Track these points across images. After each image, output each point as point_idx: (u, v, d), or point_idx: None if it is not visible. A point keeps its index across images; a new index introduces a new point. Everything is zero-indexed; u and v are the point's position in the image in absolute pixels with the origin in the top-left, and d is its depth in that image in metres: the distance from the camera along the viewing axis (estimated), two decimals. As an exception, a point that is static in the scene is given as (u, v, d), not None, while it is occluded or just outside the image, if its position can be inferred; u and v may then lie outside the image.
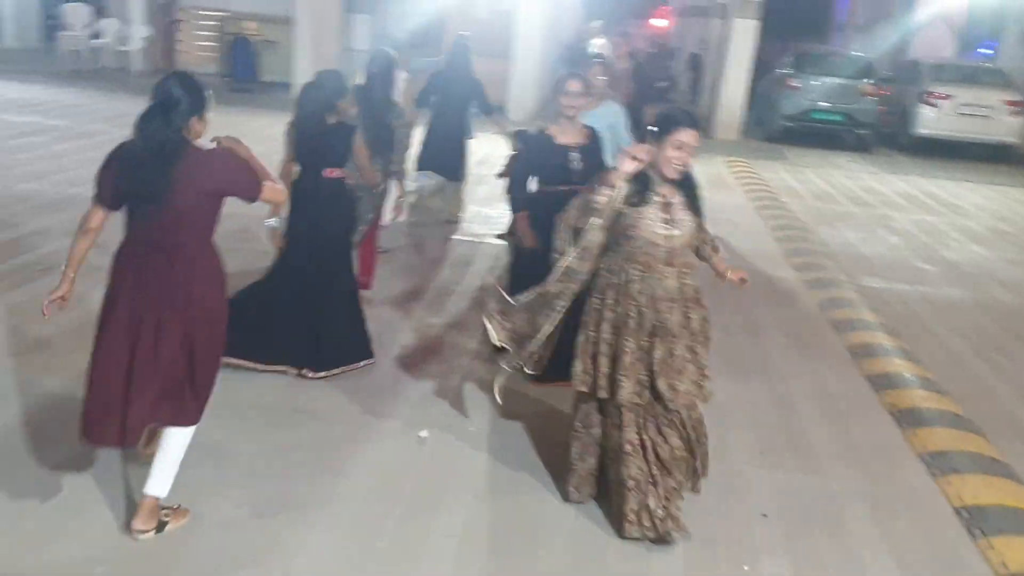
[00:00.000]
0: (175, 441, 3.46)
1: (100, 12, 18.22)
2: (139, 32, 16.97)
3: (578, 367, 3.74)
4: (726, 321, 6.55)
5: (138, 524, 3.42)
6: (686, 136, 3.56)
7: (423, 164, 8.37)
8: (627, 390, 3.62)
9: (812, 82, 15.90)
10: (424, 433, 4.44)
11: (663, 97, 21.97)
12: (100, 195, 3.37)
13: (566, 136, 5.00)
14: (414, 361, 5.36)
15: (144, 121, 3.26)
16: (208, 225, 3.42)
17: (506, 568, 3.51)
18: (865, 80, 15.87)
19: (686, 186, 3.74)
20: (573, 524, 3.83)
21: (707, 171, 12.98)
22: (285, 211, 4.91)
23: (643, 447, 3.67)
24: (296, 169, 4.96)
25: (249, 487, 3.84)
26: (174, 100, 3.28)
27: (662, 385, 3.62)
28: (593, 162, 4.96)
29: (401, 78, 7.52)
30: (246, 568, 3.34)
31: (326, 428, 4.42)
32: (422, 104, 8.21)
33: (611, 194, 3.59)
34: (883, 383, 5.64)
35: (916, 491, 4.43)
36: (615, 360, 3.66)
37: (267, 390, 4.77)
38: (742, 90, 15.93)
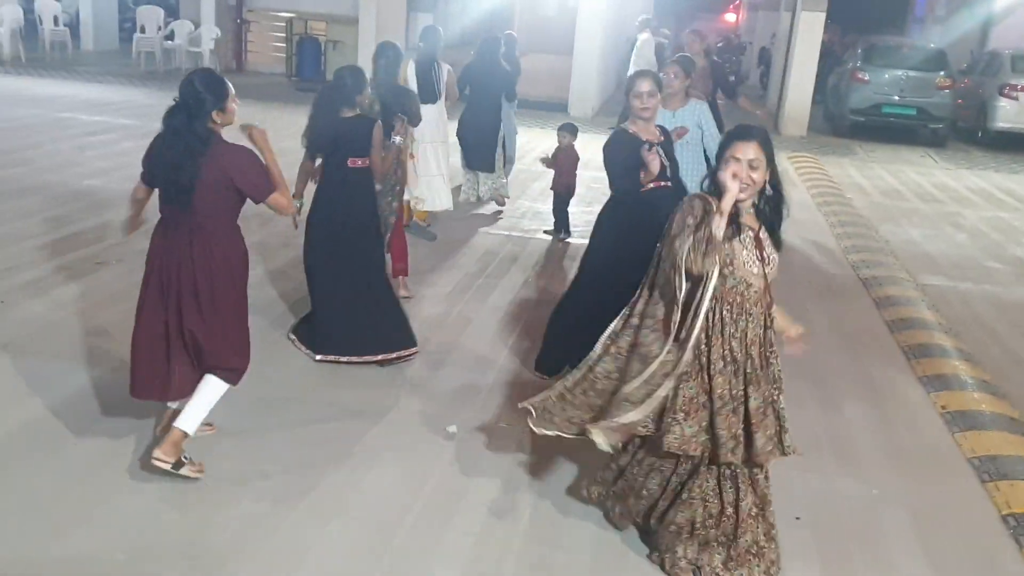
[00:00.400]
0: (211, 386, 3.77)
1: (173, 14, 18.71)
2: (209, 33, 17.34)
3: (687, 429, 3.25)
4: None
5: (159, 453, 3.67)
6: (744, 150, 3.18)
7: (470, 161, 8.56)
8: (727, 447, 3.23)
9: (882, 75, 15.44)
10: (452, 428, 4.43)
11: (732, 92, 21.74)
12: (143, 174, 3.82)
13: (646, 135, 4.78)
14: (449, 356, 5.35)
15: (169, 118, 3.57)
16: (229, 209, 3.70)
17: (522, 570, 3.47)
18: (940, 73, 15.35)
19: (774, 217, 3.33)
20: (596, 529, 3.75)
21: (771, 167, 12.76)
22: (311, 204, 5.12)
23: (720, 499, 3.37)
24: (318, 163, 5.10)
25: (272, 478, 3.88)
26: (196, 98, 3.53)
27: (760, 440, 3.25)
28: (671, 161, 4.81)
29: (445, 70, 7.63)
30: (261, 559, 3.36)
31: (355, 421, 4.44)
32: (461, 96, 8.43)
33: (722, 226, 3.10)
34: (936, 384, 5.44)
35: (962, 497, 4.26)
36: (713, 415, 3.25)
37: (301, 383, 4.81)
38: (809, 84, 15.56)
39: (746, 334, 3.24)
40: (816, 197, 10.75)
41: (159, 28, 17.68)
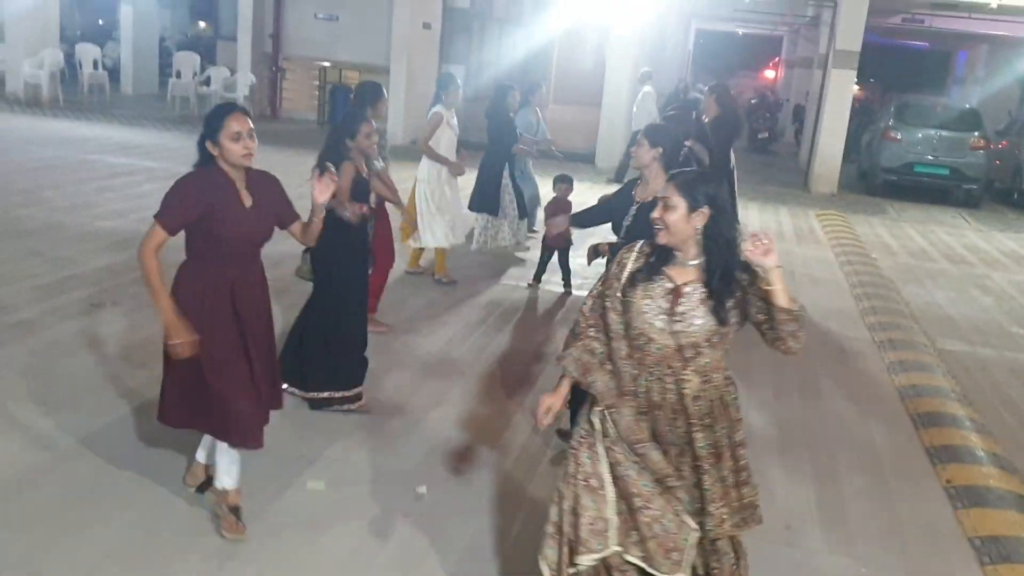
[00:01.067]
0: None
1: (212, 61, 19.07)
2: (245, 80, 17.61)
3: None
4: (781, 380, 6.21)
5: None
6: (665, 188, 2.83)
7: (471, 204, 8.51)
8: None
9: (915, 134, 15.21)
10: (422, 489, 4.25)
11: (765, 148, 21.64)
12: None
13: (642, 193, 4.54)
14: (430, 412, 5.20)
15: None
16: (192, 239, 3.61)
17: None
18: (974, 133, 15.08)
19: (722, 283, 2.77)
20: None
21: (797, 224, 12.58)
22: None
23: None
24: None
25: (224, 542, 3.73)
26: (203, 124, 3.58)
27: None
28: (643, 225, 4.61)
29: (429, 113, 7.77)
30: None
31: (323, 474, 4.29)
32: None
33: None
34: (944, 456, 5.17)
35: (958, 580, 3.99)
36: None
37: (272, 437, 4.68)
38: (839, 142, 15.36)
39: (649, 396, 2.84)
40: (839, 256, 10.51)
41: (195, 74, 18.01)
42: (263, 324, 3.75)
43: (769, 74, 40.02)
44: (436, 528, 3.94)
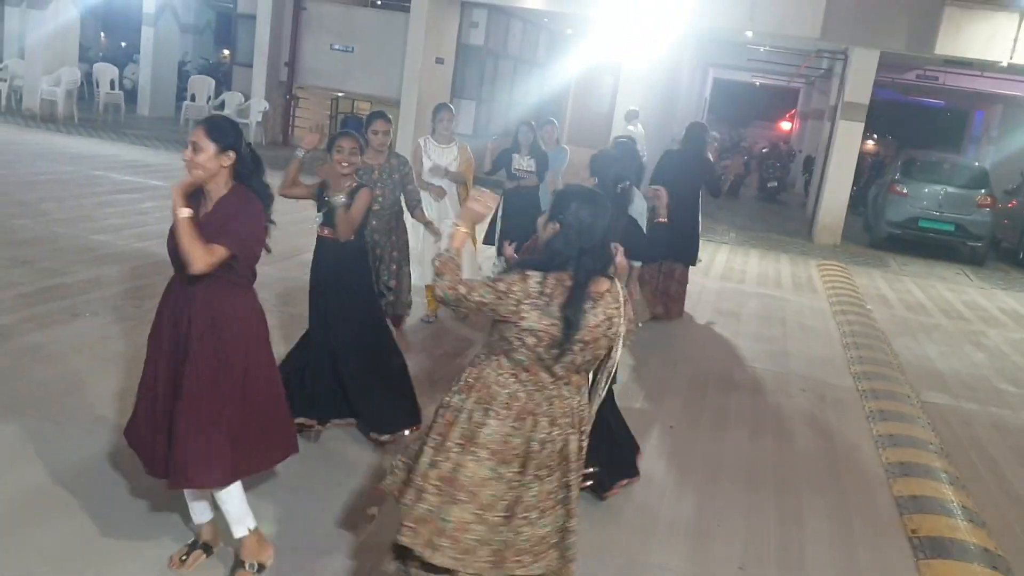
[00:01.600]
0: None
1: (227, 86, 19.33)
2: (258, 106, 17.82)
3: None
4: (757, 423, 6.16)
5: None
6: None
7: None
8: None
9: (921, 189, 15.19)
10: (373, 510, 4.22)
11: (774, 197, 21.68)
12: None
13: None
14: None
15: None
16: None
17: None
18: (980, 190, 15.06)
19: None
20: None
21: (796, 273, 12.55)
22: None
23: None
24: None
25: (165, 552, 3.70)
26: None
27: None
28: None
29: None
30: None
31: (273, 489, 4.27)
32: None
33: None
34: (912, 506, 5.09)
35: (910, 630, 3.92)
36: None
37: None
38: (844, 193, 15.37)
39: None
40: (834, 306, 10.46)
41: (209, 98, 18.23)
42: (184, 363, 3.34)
43: (785, 125, 40.22)
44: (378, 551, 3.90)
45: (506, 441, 2.91)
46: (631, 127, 14.36)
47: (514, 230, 8.10)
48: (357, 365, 4.78)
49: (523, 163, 7.97)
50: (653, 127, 18.01)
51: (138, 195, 11.27)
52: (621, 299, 2.98)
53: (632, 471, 4.75)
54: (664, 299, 8.64)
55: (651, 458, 5.31)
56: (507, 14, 18.75)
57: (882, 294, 11.83)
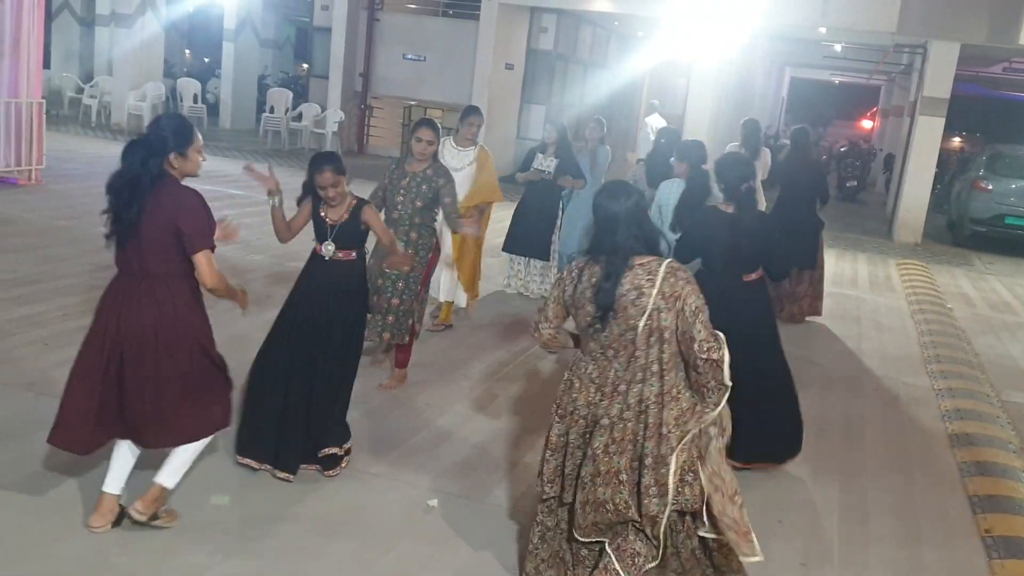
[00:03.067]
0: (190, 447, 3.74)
1: (304, 98, 19.77)
2: (334, 116, 18.17)
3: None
4: (825, 421, 6.04)
5: (138, 505, 3.66)
6: None
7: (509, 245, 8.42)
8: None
9: (1007, 184, 14.67)
10: (433, 502, 4.28)
11: (853, 196, 21.19)
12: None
13: None
14: (454, 430, 5.23)
15: (126, 153, 3.49)
16: (177, 255, 3.51)
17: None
18: (1072, 185, 14.47)
19: None
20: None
21: (874, 272, 12.26)
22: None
23: None
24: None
25: (230, 532, 3.81)
26: (159, 137, 3.49)
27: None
28: None
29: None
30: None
31: (329, 483, 4.36)
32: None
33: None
34: (987, 505, 4.94)
35: (978, 629, 3.80)
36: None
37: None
38: (925, 191, 14.94)
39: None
40: (912, 305, 10.18)
41: (287, 109, 18.67)
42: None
43: (866, 124, 39.30)
44: (439, 541, 3.96)
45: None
46: (648, 119, 14.30)
47: (530, 231, 8.10)
48: (319, 392, 4.33)
49: (544, 163, 7.91)
50: (724, 128, 17.84)
51: (217, 203, 11.45)
52: (660, 274, 3.17)
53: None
54: (796, 300, 8.58)
55: (713, 455, 5.26)
56: (576, 18, 18.76)
57: (964, 293, 11.46)
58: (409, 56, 18.38)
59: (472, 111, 7.15)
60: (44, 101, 11.43)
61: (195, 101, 19.20)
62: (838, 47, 20.53)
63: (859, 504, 4.85)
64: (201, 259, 3.51)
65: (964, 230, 15.29)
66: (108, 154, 15.05)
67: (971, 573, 4.27)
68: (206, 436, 3.75)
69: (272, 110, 18.54)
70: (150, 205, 3.44)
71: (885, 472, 5.35)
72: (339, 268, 4.44)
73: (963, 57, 14.62)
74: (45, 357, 5.57)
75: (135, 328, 3.49)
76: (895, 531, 4.59)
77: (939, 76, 14.46)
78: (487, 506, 4.35)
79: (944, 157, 19.84)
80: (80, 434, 3.59)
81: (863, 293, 10.74)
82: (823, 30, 15.79)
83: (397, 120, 18.80)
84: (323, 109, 18.57)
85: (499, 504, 4.38)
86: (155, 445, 3.70)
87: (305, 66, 30.86)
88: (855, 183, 21.21)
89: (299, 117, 18.66)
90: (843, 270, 12.20)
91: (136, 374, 3.52)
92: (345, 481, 4.40)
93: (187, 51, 29.33)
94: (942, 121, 14.61)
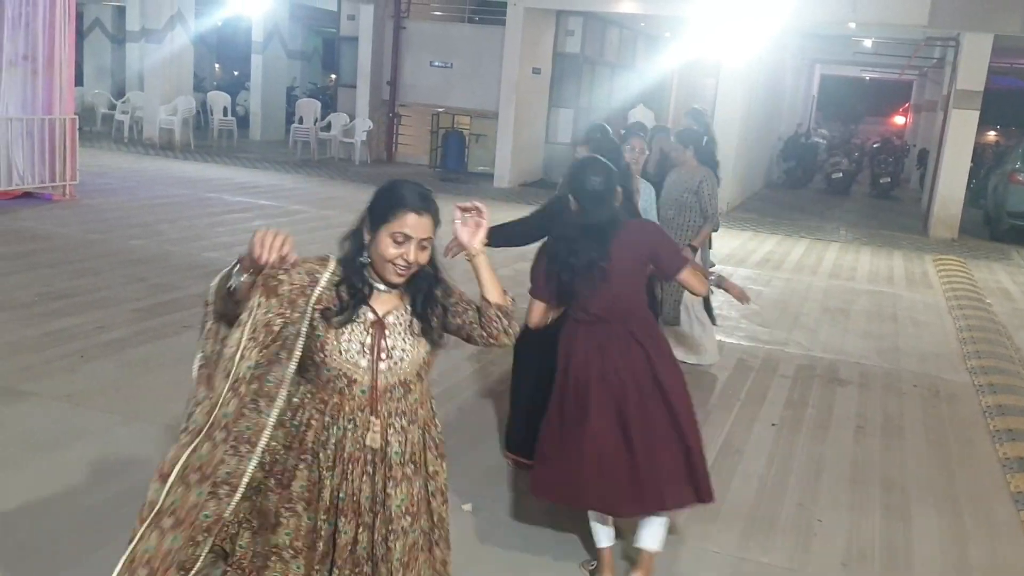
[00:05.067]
0: None
1: (332, 108, 19.89)
2: (363, 125, 18.26)
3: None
4: (864, 419, 5.95)
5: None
6: (412, 224, 2.32)
7: None
8: None
9: (1045, 177, 14.41)
10: (467, 506, 4.25)
11: (887, 192, 20.94)
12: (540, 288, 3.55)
13: None
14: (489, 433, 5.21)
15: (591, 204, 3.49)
16: (643, 290, 3.59)
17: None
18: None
19: (428, 304, 2.44)
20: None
21: (910, 268, 12.09)
22: None
23: None
24: None
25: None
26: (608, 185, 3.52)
27: None
28: None
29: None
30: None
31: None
32: None
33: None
34: (1032, 502, 4.83)
35: (1027, 628, 3.70)
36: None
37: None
38: (960, 185, 14.70)
39: (343, 447, 2.36)
40: (950, 300, 10.01)
41: (316, 120, 18.79)
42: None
43: (899, 120, 38.86)
44: (468, 547, 3.93)
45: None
46: (635, 110, 14.29)
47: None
48: None
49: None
50: (754, 127, 17.70)
51: (248, 214, 11.69)
52: None
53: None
54: None
55: (752, 456, 5.20)
56: (603, 21, 18.70)
57: (1004, 288, 11.26)
58: (436, 63, 18.42)
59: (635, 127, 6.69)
60: (77, 117, 11.58)
61: (225, 114, 19.38)
62: (868, 43, 20.28)
63: (900, 503, 4.75)
64: (687, 273, 3.57)
65: (1001, 224, 15.04)
66: (139, 167, 15.25)
67: (1018, 570, 4.17)
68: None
69: (301, 121, 18.66)
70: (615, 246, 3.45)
71: (926, 470, 5.25)
72: None
73: (997, 49, 14.37)
74: (81, 368, 5.62)
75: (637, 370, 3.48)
76: (939, 529, 4.50)
77: (972, 69, 14.23)
78: (523, 514, 4.31)
79: (979, 151, 19.56)
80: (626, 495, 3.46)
81: (899, 290, 10.59)
82: (853, 25, 15.61)
83: (426, 128, 18.85)
84: (351, 118, 18.67)
85: (536, 512, 4.34)
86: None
87: (334, 77, 31.10)
88: (888, 180, 20.97)
89: (328, 127, 18.77)
90: (878, 267, 12.04)
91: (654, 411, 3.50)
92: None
93: (216, 65, 29.59)
94: (976, 114, 14.38)
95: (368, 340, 2.35)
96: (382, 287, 2.40)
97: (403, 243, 2.31)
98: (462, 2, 19.48)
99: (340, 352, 2.33)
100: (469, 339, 2.52)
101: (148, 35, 18.08)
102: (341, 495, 2.35)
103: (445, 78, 18.41)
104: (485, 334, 2.49)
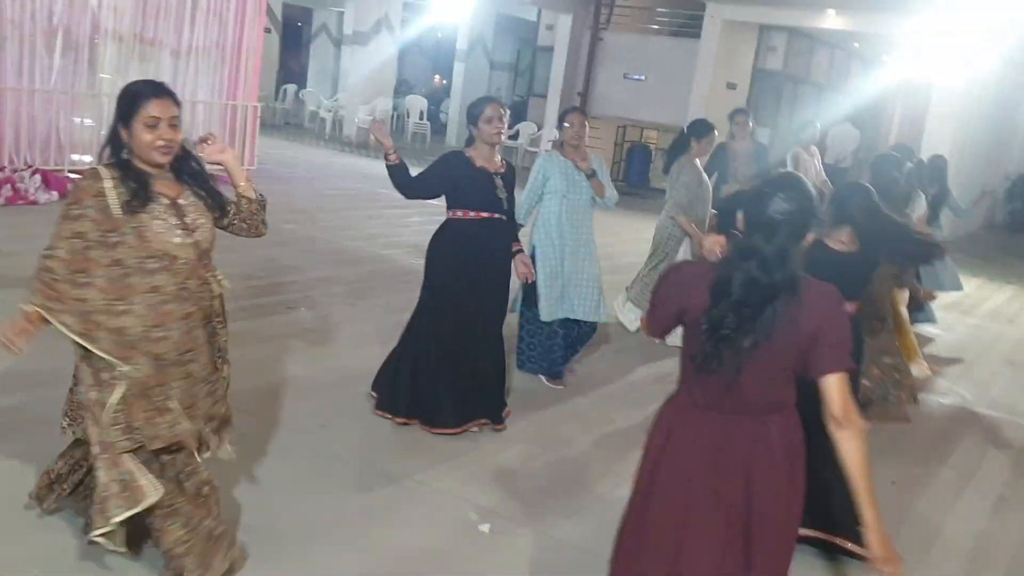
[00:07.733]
0: None
1: (522, 118, 19.92)
2: (548, 135, 18.13)
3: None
4: (1008, 492, 5.02)
5: None
6: (157, 106, 2.80)
7: None
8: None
9: None
10: (485, 527, 3.84)
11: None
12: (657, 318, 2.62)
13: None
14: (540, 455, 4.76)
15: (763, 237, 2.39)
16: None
17: None
18: None
19: (201, 182, 3.05)
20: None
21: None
22: None
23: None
24: None
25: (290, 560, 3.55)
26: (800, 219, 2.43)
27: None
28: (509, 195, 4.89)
29: None
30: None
31: (396, 494, 4.03)
32: None
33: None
34: None
35: None
36: None
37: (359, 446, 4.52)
38: None
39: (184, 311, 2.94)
40: None
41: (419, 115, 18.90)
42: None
43: None
44: (476, 569, 3.53)
45: None
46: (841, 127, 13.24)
47: None
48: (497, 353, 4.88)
49: None
50: (970, 160, 15.99)
51: (408, 211, 11.71)
52: None
53: None
54: None
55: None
56: (811, 40, 17.64)
57: None
58: (631, 76, 18.02)
59: (573, 111, 6.06)
60: (259, 105, 12.09)
61: (420, 118, 19.84)
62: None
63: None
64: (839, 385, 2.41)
65: None
66: (330, 162, 15.85)
67: None
68: None
69: (491, 128, 18.80)
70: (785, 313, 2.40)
71: (982, 521, 4.31)
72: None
73: None
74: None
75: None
76: None
77: None
78: (544, 540, 3.85)
79: None
80: None
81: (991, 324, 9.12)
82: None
83: (611, 139, 18.49)
84: (539, 128, 18.60)
85: (560, 538, 3.87)
86: None
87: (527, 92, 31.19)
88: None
89: (516, 135, 18.79)
90: (1014, 310, 10.54)
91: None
92: (410, 493, 4.07)
93: (437, 76, 29.86)
94: None
95: (173, 220, 2.88)
96: (153, 171, 2.87)
97: (155, 126, 2.78)
98: (662, 14, 18.99)
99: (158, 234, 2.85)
100: (231, 228, 3.14)
101: (357, 38, 18.81)
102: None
103: (637, 91, 17.98)
104: (246, 226, 3.15)
